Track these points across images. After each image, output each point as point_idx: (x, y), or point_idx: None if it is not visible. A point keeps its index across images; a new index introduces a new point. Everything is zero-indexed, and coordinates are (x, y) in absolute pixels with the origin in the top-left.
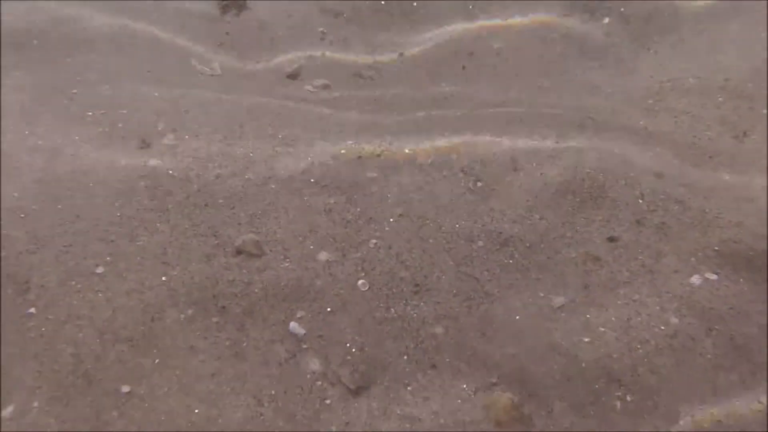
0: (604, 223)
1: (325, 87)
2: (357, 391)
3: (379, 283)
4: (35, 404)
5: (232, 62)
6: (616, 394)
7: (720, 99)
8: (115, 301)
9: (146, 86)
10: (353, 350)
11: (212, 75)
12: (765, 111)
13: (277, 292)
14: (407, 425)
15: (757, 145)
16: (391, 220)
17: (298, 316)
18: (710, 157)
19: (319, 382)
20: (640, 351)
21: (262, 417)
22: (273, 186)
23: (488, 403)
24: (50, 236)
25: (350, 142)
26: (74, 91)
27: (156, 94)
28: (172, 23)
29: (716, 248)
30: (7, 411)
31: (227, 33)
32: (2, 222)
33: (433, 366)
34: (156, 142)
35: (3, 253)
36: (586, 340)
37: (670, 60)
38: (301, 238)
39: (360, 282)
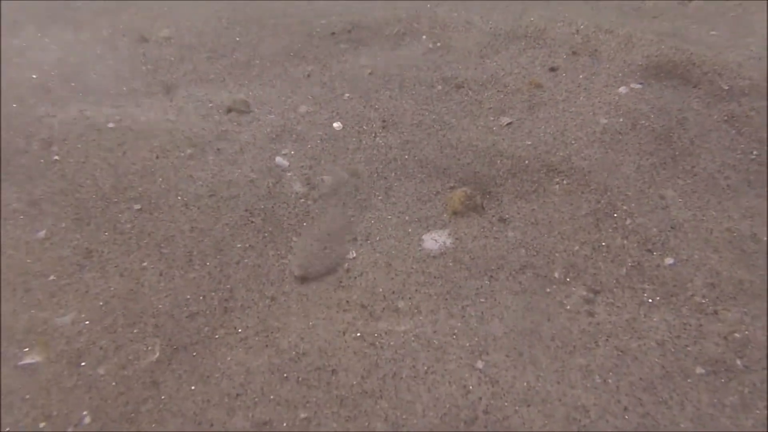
0: (546, 58)
1: None
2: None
3: (351, 123)
4: (63, 225)
5: None
6: (555, 180)
7: None
8: (126, 146)
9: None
10: (331, 175)
11: None
12: None
13: (263, 137)
14: (376, 214)
15: (701, 5)
16: (362, 77)
17: (283, 152)
18: (654, 17)
19: (302, 200)
20: (575, 145)
21: (253, 223)
22: (257, 62)
23: (446, 200)
24: (67, 104)
25: (323, 21)
26: (78, 3)
27: (148, 4)
28: None
29: (640, 63)
30: (40, 234)
31: None
32: (27, 93)
33: (399, 180)
34: (153, 36)
35: (28, 118)
36: (528, 143)
37: None
38: (283, 98)
39: (335, 124)
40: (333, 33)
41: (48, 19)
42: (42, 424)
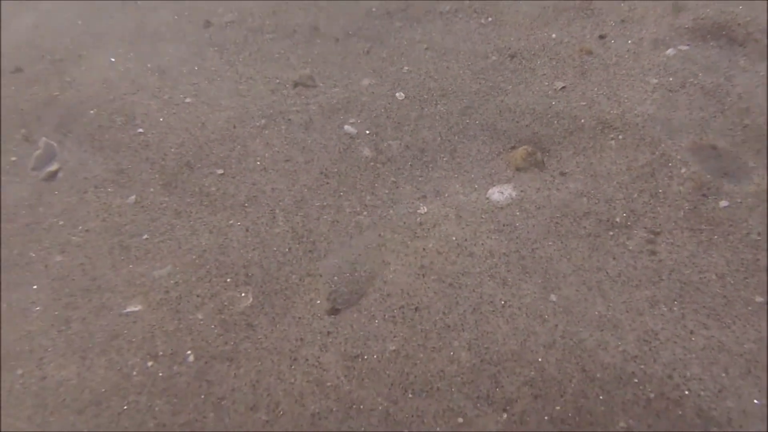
0: (595, 27)
1: None
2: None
3: (413, 94)
4: (151, 190)
5: None
6: (610, 136)
7: None
8: (204, 118)
9: None
10: (397, 140)
11: None
12: None
13: (330, 108)
14: (443, 174)
15: None
16: (419, 52)
17: (350, 121)
18: None
19: (372, 163)
20: (627, 104)
21: (328, 184)
22: (318, 41)
23: (508, 158)
24: (144, 82)
25: (378, 1)
26: None
27: None
28: None
29: (687, 26)
30: (131, 199)
31: None
32: (107, 75)
33: (462, 142)
34: (218, 21)
35: (110, 97)
36: (583, 104)
37: None
38: (346, 72)
39: (397, 94)
40: (388, 12)
41: (118, 11)
42: (150, 363)
